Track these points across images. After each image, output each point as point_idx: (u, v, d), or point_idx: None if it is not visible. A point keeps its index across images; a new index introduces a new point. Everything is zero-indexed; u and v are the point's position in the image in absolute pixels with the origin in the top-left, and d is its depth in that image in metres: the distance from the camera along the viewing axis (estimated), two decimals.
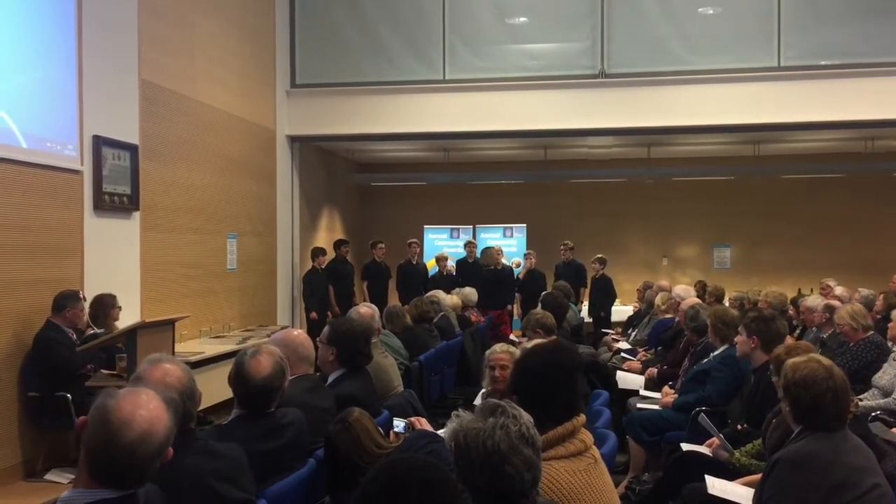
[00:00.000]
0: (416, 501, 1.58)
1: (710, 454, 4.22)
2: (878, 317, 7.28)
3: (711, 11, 10.59)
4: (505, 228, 13.36)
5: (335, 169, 13.11)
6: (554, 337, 5.04)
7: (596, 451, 2.40)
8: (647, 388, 6.29)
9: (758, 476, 3.72)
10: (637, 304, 10.58)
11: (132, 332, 5.10)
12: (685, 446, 4.48)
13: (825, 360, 3.11)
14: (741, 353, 4.82)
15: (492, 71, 10.78)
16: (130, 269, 7.28)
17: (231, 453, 2.58)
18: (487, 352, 4.12)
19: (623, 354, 7.95)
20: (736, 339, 4.88)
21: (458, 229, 13.40)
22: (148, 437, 1.84)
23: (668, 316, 8.14)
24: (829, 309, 6.68)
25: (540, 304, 7.06)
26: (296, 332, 3.64)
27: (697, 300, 7.00)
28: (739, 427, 4.52)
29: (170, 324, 5.65)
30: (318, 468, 3.17)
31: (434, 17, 10.78)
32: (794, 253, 13.00)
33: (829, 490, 2.72)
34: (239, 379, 2.98)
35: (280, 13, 10.75)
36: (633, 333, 9.02)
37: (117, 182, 7.13)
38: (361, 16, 10.93)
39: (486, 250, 11.48)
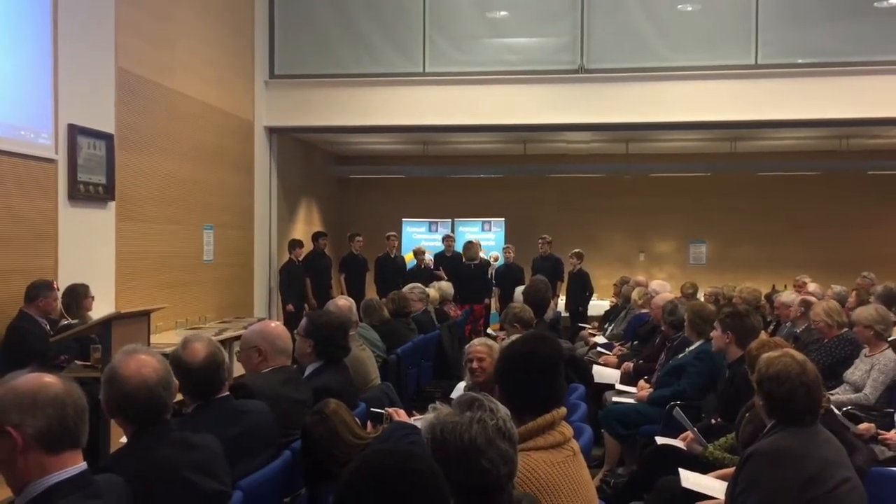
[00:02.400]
0: (403, 492, 1.57)
1: (685, 448, 4.26)
2: (851, 312, 7.36)
3: (690, 8, 10.65)
4: (483, 222, 13.38)
5: (314, 161, 13.05)
6: (532, 330, 5.06)
7: (575, 444, 2.41)
8: (622, 382, 6.33)
9: (731, 469, 3.76)
10: (614, 299, 10.64)
11: (107, 322, 5.05)
12: (660, 440, 4.51)
13: (798, 355, 3.15)
14: (716, 348, 4.86)
15: (472, 65, 10.76)
16: (105, 259, 7.21)
17: (207, 444, 2.57)
18: (467, 346, 4.13)
19: (599, 349, 7.99)
20: (711, 334, 4.92)
21: (436, 223, 13.39)
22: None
23: (645, 311, 8.19)
24: (805, 304, 6.76)
25: (522, 297, 7.07)
26: (273, 324, 3.62)
27: (672, 295, 7.05)
28: (713, 421, 4.57)
29: (145, 315, 5.60)
30: (293, 460, 3.16)
31: (414, 9, 10.75)
32: (769, 250, 13.13)
33: (802, 484, 2.76)
34: (180, 372, 2.87)
35: (259, 3, 10.66)
36: (610, 328, 9.07)
37: (92, 171, 7.05)
38: (341, 7, 10.88)
39: (470, 244, 11.50)
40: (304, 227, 12.47)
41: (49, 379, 1.99)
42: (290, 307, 10.30)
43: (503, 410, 1.99)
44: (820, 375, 3.11)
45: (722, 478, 3.70)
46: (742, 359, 4.30)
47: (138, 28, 7.83)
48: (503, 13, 11.02)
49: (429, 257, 11.86)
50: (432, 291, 8.28)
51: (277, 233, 11.26)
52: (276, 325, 3.58)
